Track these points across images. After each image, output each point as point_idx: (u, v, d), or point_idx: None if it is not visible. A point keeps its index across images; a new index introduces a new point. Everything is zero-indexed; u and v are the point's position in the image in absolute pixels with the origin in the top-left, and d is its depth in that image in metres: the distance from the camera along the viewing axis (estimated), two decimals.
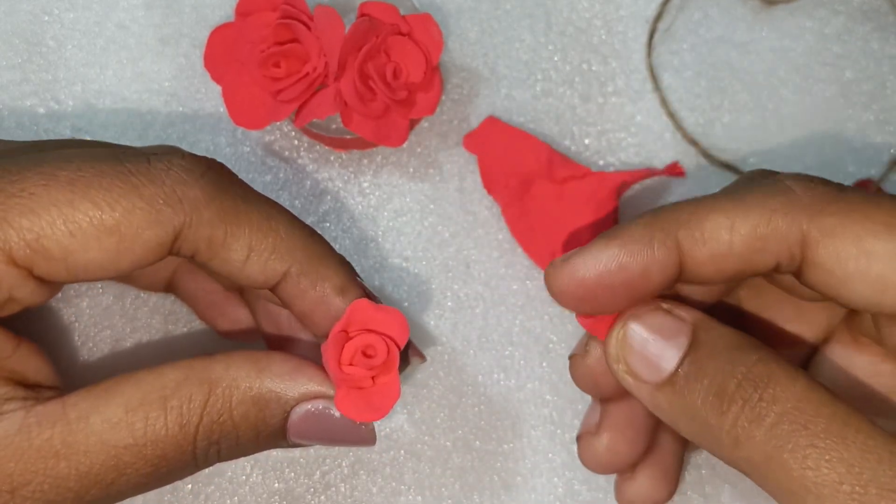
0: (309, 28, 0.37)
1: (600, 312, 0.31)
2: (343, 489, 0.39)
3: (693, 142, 0.42)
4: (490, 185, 0.41)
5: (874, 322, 0.32)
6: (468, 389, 0.40)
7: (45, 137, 0.41)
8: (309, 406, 0.31)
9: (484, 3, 0.43)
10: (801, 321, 0.34)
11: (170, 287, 0.38)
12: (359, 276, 0.33)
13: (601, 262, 0.29)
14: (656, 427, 0.35)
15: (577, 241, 0.40)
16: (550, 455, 0.40)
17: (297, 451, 0.39)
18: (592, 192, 0.40)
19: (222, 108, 0.41)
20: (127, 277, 0.37)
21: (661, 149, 0.42)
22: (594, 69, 0.42)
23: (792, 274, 0.30)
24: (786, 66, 0.43)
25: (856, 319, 0.33)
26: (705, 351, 0.29)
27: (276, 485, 0.39)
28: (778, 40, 0.43)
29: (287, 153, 0.41)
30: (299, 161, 0.41)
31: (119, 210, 0.28)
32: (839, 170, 0.42)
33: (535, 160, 0.41)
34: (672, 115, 0.42)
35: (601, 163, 0.42)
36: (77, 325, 0.39)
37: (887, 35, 0.43)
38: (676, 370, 0.29)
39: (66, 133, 0.41)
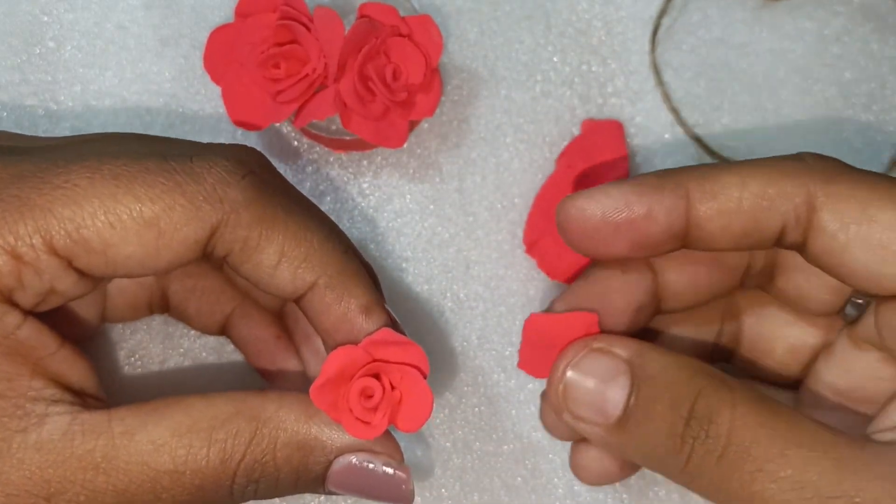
0: (309, 29, 0.37)
1: (604, 254, 0.31)
2: None
3: (695, 137, 0.42)
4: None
5: (875, 316, 0.32)
6: (468, 390, 0.40)
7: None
8: (352, 458, 0.31)
9: (483, 5, 0.43)
10: (801, 329, 0.35)
11: (224, 329, 0.38)
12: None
13: (609, 198, 0.30)
14: None
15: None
16: (550, 456, 0.40)
17: None
18: None
19: (222, 110, 0.41)
20: (184, 315, 0.37)
21: (661, 149, 0.42)
22: (594, 70, 0.42)
23: (796, 248, 0.30)
24: (785, 67, 0.43)
25: (857, 325, 0.33)
26: (648, 391, 0.30)
27: None
28: (777, 41, 0.43)
29: (287, 154, 0.41)
30: (299, 162, 0.41)
31: (160, 205, 0.29)
32: None
33: None
34: (675, 111, 0.42)
35: None
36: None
37: (887, 36, 0.43)
38: (624, 412, 0.30)
39: (65, 134, 0.41)
